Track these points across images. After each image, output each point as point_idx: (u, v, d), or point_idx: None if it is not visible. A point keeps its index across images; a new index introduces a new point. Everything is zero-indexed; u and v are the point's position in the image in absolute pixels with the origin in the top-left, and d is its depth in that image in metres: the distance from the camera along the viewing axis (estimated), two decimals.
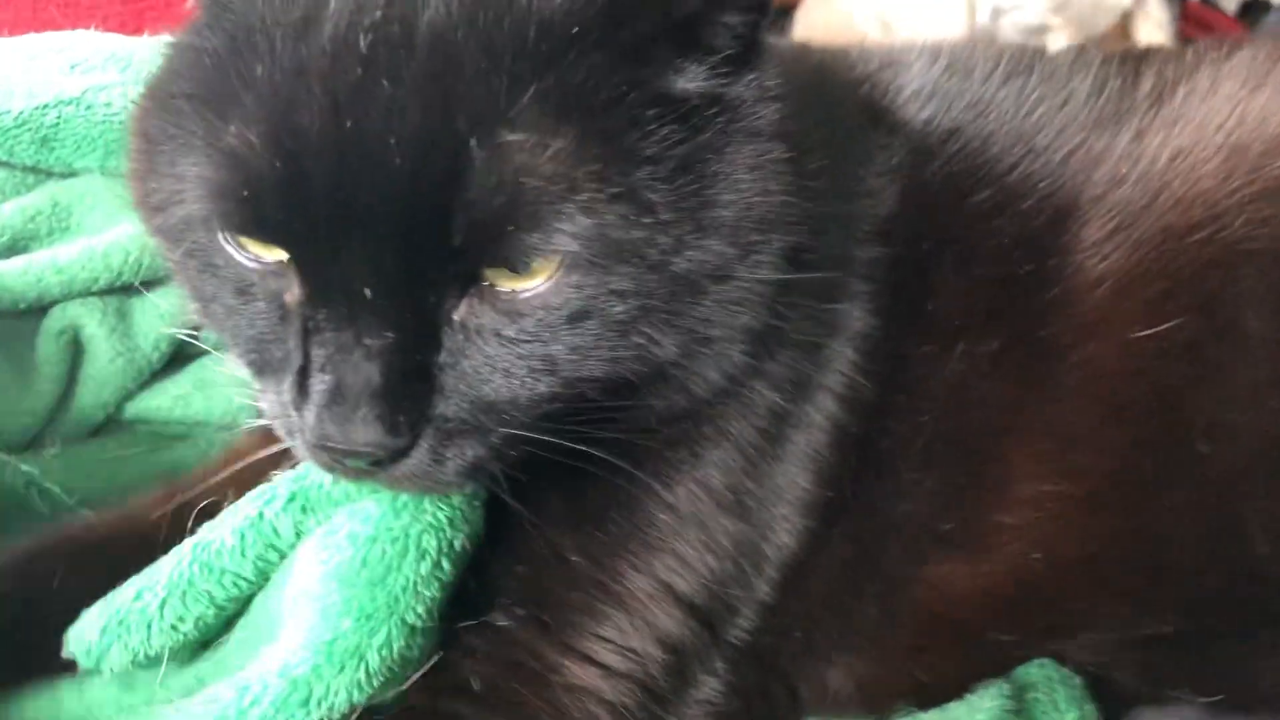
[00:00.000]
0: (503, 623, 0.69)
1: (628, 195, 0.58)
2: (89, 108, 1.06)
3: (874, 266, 0.77)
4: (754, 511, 0.74)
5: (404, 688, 0.67)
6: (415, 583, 0.65)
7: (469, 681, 0.67)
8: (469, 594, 0.70)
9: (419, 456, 0.61)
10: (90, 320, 1.00)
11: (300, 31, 0.57)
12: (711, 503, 0.73)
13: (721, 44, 0.62)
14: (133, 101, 1.03)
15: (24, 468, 0.85)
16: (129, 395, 1.03)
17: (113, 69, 1.11)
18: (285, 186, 0.56)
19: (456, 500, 0.68)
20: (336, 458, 0.61)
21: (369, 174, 0.55)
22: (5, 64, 1.10)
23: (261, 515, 0.69)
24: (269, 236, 0.59)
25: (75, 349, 1.01)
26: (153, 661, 0.69)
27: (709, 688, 0.74)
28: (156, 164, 0.63)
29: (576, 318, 0.60)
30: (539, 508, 0.70)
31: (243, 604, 0.72)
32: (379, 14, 0.57)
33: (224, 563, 0.69)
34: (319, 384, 0.59)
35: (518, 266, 0.58)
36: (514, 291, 0.59)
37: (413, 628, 0.65)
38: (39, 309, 1.01)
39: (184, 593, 0.68)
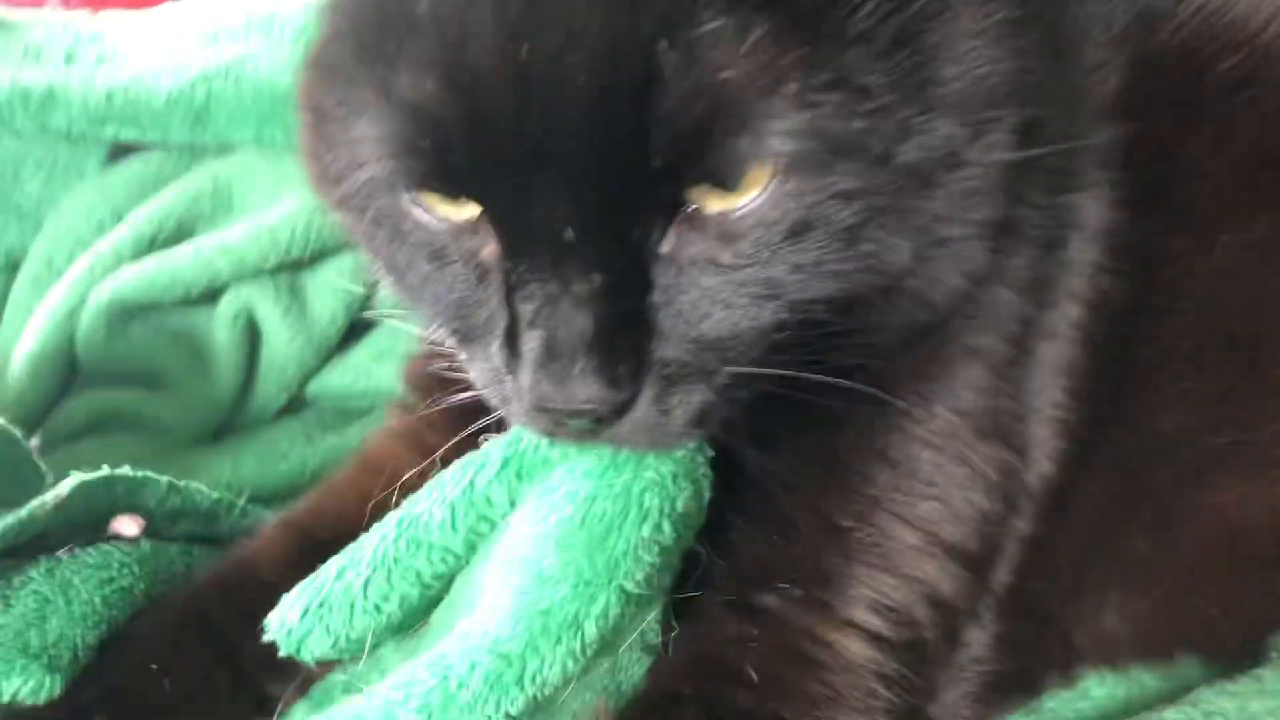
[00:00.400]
0: (773, 604, 0.63)
1: (841, 81, 0.51)
2: (238, 79, 1.02)
3: (1108, 151, 0.67)
4: (1012, 434, 0.66)
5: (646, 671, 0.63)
6: (636, 545, 0.60)
7: (744, 671, 0.61)
8: (700, 563, 0.65)
9: (643, 408, 0.56)
10: (264, 302, 0.98)
11: None
12: (971, 430, 0.65)
13: None
14: (280, 68, 1.01)
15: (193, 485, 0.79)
16: (311, 373, 1.00)
17: (255, 35, 1.07)
18: (467, 130, 0.51)
19: (679, 455, 0.63)
20: (557, 419, 0.56)
21: (554, 102, 0.49)
22: (145, 43, 1.07)
23: (473, 485, 0.64)
24: (457, 188, 0.54)
25: (252, 333, 0.99)
26: (353, 646, 0.65)
27: (980, 645, 0.68)
28: (330, 134, 0.58)
29: (798, 230, 0.53)
30: (785, 463, 0.64)
31: (447, 584, 0.67)
32: None
33: (433, 537, 0.64)
34: (529, 342, 0.54)
35: (727, 180, 0.52)
36: (725, 212, 0.53)
37: (630, 595, 0.60)
38: (210, 295, 0.98)
39: (389, 570, 0.64)
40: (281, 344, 0.98)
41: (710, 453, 0.65)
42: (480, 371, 0.59)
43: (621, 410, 0.55)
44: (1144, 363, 0.68)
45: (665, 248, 0.54)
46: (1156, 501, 0.69)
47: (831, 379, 0.58)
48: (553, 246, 0.52)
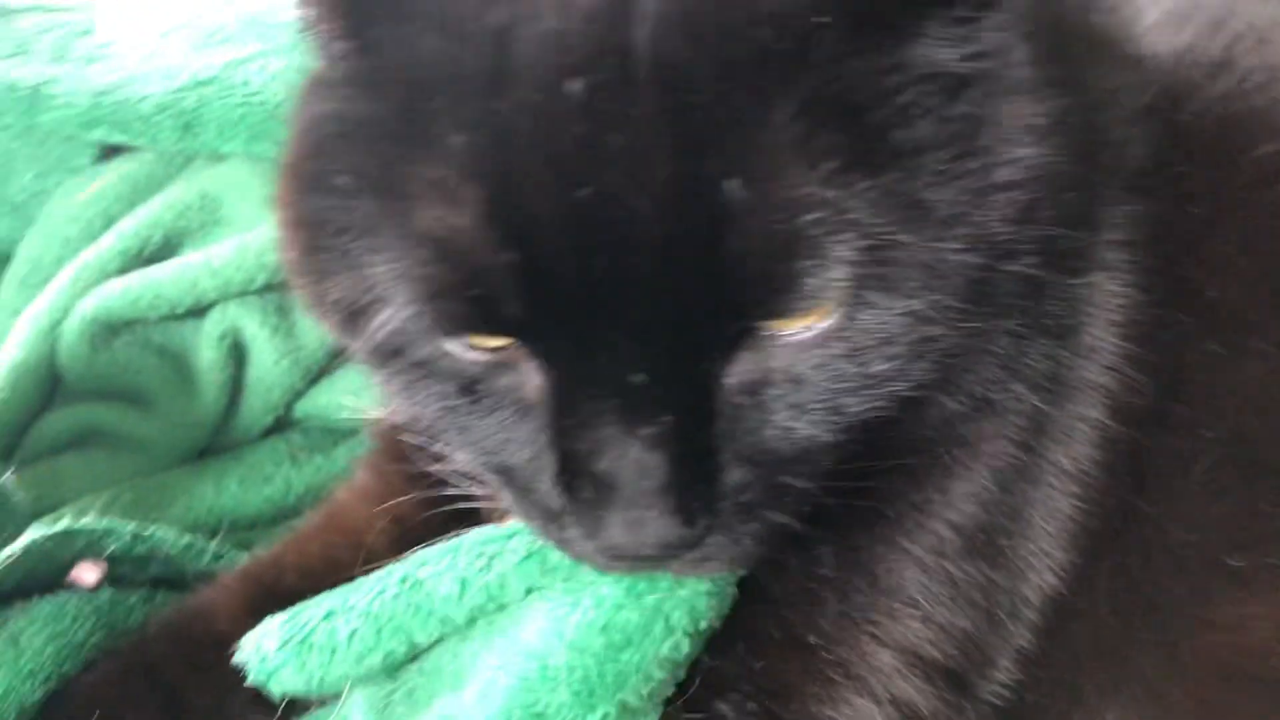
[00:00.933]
0: (730, 715, 0.61)
1: (909, 202, 0.48)
2: (229, 88, 0.99)
3: (1130, 230, 0.63)
4: (1010, 549, 0.63)
5: None
6: (651, 661, 0.58)
7: None
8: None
9: (715, 539, 0.53)
10: (251, 322, 0.95)
11: (494, 85, 0.46)
12: (962, 548, 0.62)
13: None
14: (274, 77, 0.98)
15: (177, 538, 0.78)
16: (298, 395, 0.98)
17: (251, 38, 1.03)
18: (520, 275, 0.47)
19: (718, 576, 0.60)
20: (626, 564, 0.54)
21: (618, 246, 0.46)
22: (136, 43, 1.04)
23: (490, 566, 0.62)
24: (508, 331, 0.50)
25: (238, 353, 0.96)
26: (325, 688, 0.64)
27: None
28: (327, 255, 0.53)
29: (864, 351, 0.51)
30: (764, 579, 0.61)
31: (435, 645, 0.65)
32: (584, 45, 0.45)
33: (434, 605, 0.62)
34: (595, 487, 0.51)
35: (796, 312, 0.49)
36: (788, 337, 0.50)
37: (629, 708, 0.58)
38: (196, 312, 0.96)
39: (381, 627, 0.62)
40: (269, 364, 0.95)
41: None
42: (524, 508, 0.56)
43: (694, 544, 0.53)
44: (1161, 472, 0.64)
45: (732, 377, 0.51)
46: (1163, 617, 0.65)
47: (871, 485, 0.56)
48: (618, 391, 0.49)
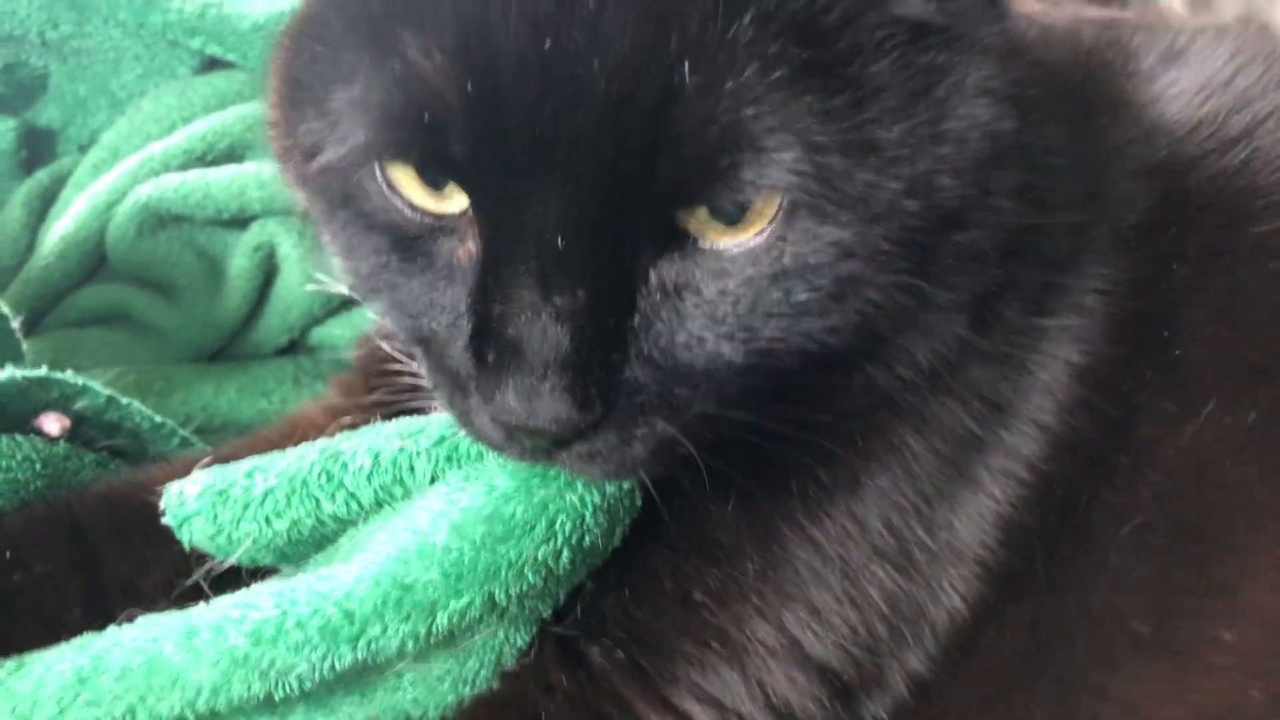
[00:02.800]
0: (597, 660, 0.60)
1: (854, 130, 0.50)
2: None
3: (1112, 280, 0.63)
4: (920, 564, 0.62)
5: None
6: (527, 561, 0.58)
7: None
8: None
9: (607, 434, 0.53)
10: (286, 241, 0.99)
11: None
12: (865, 546, 0.61)
13: None
14: None
15: (132, 404, 0.79)
16: (316, 321, 1.00)
17: None
18: (476, 113, 0.48)
19: (612, 490, 0.60)
20: (515, 435, 0.53)
21: (570, 102, 0.48)
22: None
23: (403, 448, 0.63)
24: (448, 173, 0.51)
25: (268, 267, 0.99)
26: (228, 547, 0.64)
27: None
28: (306, 104, 0.55)
29: (788, 276, 0.51)
30: (670, 523, 0.61)
31: (342, 529, 0.65)
32: None
33: (347, 477, 0.63)
34: (501, 351, 0.51)
35: (729, 208, 0.50)
36: (721, 246, 0.51)
37: (496, 605, 0.58)
38: (240, 222, 1.00)
39: (293, 490, 0.63)
40: (294, 285, 0.99)
41: (640, 499, 0.62)
42: (436, 374, 0.57)
43: (584, 434, 0.53)
44: (1093, 523, 0.63)
45: (655, 272, 0.52)
46: (1065, 676, 0.63)
47: (792, 433, 0.56)
48: (540, 253, 0.50)
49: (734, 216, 0.50)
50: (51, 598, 0.65)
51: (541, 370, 0.50)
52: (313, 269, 0.99)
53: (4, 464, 0.68)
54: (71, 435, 0.74)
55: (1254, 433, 0.61)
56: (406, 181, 0.53)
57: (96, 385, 0.75)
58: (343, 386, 0.79)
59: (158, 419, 0.79)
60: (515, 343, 0.51)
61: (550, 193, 0.49)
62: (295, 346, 1.02)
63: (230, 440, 0.88)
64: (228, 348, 1.01)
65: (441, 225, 0.53)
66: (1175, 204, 0.65)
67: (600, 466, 0.55)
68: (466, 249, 0.53)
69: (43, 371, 0.72)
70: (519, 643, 0.63)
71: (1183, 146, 0.66)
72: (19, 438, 0.70)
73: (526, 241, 0.50)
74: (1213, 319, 0.63)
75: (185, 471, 0.74)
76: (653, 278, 0.52)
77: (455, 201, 0.52)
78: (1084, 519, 0.63)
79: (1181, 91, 0.69)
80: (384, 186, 0.53)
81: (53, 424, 0.73)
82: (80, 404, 0.75)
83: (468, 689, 0.63)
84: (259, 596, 0.58)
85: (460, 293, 0.53)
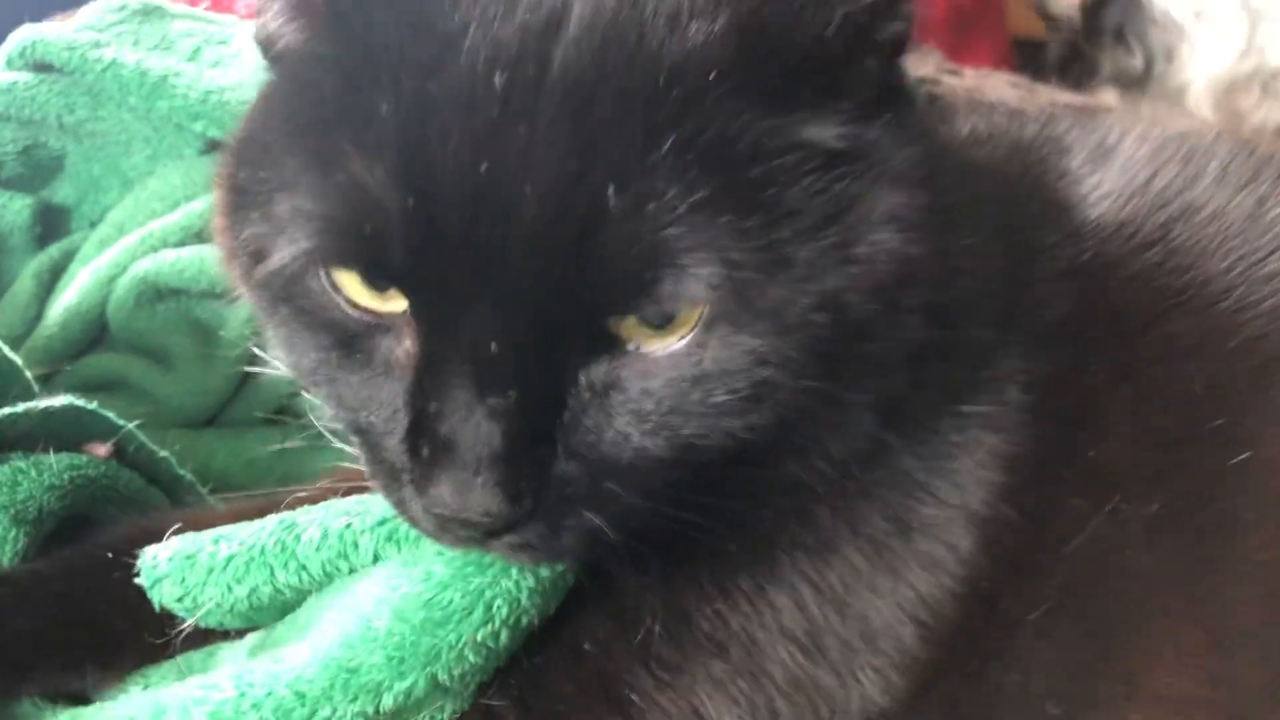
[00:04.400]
0: (495, 702, 0.64)
1: (768, 249, 0.53)
2: None
3: (1032, 376, 0.66)
4: (829, 650, 0.64)
5: None
6: (467, 644, 0.62)
7: None
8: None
9: (537, 526, 0.57)
10: None
11: (433, 67, 0.53)
12: (773, 625, 0.64)
13: (861, 86, 0.56)
14: None
15: (162, 453, 0.87)
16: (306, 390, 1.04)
17: None
18: (415, 227, 0.52)
19: (545, 573, 0.64)
20: (448, 525, 0.57)
21: (502, 221, 0.52)
22: (258, 59, 1.15)
23: (350, 525, 0.67)
24: (390, 278, 0.55)
25: (260, 341, 1.03)
26: (195, 609, 0.69)
27: None
28: (249, 210, 0.58)
29: (709, 378, 0.55)
30: (588, 588, 0.65)
31: (300, 597, 0.70)
32: (514, 51, 0.52)
33: (297, 549, 0.67)
34: (435, 446, 0.55)
35: (652, 319, 0.54)
36: (647, 349, 0.55)
37: (439, 685, 0.62)
38: (234, 296, 1.04)
39: (251, 558, 0.68)
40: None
41: (572, 578, 0.65)
42: (373, 465, 0.60)
43: (514, 525, 0.56)
44: (1008, 611, 0.65)
45: (583, 374, 0.55)
46: None
47: (715, 523, 0.59)
48: (475, 356, 0.53)
49: (661, 323, 0.54)
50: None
51: (475, 465, 0.53)
52: None
53: (78, 463, 0.79)
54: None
55: (1156, 522, 0.64)
56: (349, 282, 0.56)
57: (136, 430, 0.83)
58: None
59: (182, 472, 0.86)
60: (449, 439, 0.54)
61: (485, 302, 0.52)
62: (282, 410, 1.06)
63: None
64: (219, 415, 1.05)
65: (380, 324, 0.57)
66: (1095, 305, 0.68)
67: (530, 555, 0.59)
68: (405, 348, 0.56)
69: (94, 405, 0.80)
70: (452, 714, 0.66)
71: (1105, 248, 0.70)
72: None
73: (462, 344, 0.53)
74: (1123, 419, 0.66)
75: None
76: (582, 379, 0.55)
77: (396, 303, 0.56)
78: (1000, 608, 0.65)
79: (1107, 193, 0.72)
80: (327, 286, 0.57)
81: (100, 449, 0.81)
82: (122, 440, 0.83)
83: None
84: (220, 677, 0.62)
85: (398, 389, 0.57)
